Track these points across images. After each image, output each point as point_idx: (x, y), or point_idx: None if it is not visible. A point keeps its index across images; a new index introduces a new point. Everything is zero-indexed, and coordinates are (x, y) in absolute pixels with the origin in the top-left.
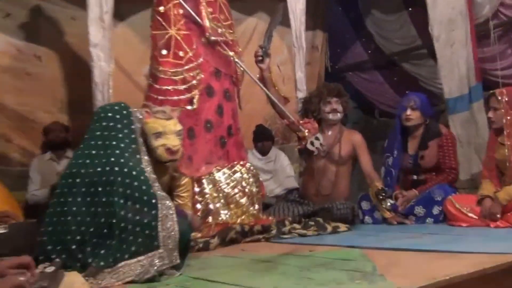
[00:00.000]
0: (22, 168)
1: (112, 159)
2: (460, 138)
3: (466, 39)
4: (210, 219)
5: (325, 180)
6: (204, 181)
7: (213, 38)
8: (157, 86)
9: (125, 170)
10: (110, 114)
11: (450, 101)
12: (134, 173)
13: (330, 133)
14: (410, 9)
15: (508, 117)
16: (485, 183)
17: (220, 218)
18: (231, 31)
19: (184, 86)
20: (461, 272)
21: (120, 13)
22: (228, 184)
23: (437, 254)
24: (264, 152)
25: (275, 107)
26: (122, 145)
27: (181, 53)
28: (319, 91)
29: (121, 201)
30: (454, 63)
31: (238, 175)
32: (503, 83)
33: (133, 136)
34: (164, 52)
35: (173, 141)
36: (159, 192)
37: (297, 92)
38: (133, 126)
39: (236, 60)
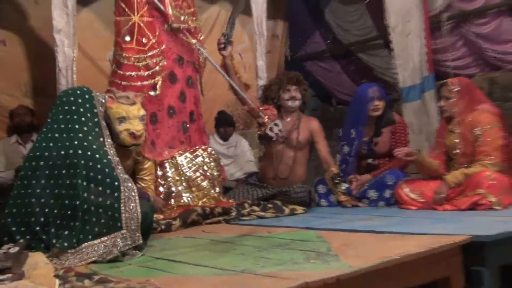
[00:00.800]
0: None
1: (75, 142)
2: (412, 126)
3: (421, 30)
4: (172, 201)
5: (283, 164)
6: (166, 165)
7: (175, 25)
8: (121, 72)
9: (88, 153)
10: (72, 98)
11: (403, 90)
12: (97, 156)
13: (288, 119)
14: (366, 0)
15: (459, 106)
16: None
17: (182, 201)
18: (194, 19)
19: (147, 73)
20: (410, 252)
21: None
22: (190, 168)
23: (388, 235)
24: (225, 137)
25: (236, 93)
26: (85, 128)
27: (144, 40)
28: (279, 79)
29: (84, 183)
30: (408, 54)
31: (199, 159)
32: (454, 73)
33: (96, 119)
34: (127, 38)
35: (137, 126)
36: (121, 175)
37: (257, 80)
38: (95, 110)
39: (199, 47)
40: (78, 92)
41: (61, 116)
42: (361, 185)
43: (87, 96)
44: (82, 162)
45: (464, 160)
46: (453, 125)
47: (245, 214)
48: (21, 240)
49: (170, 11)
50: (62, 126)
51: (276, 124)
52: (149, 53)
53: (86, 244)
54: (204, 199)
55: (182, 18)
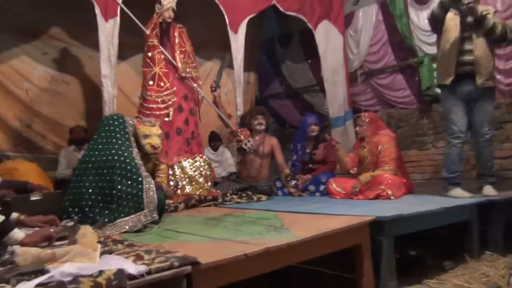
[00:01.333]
0: (53, 156)
1: (113, 151)
2: None
3: (344, 81)
4: (178, 191)
5: (253, 168)
6: (175, 167)
7: (183, 75)
8: (146, 105)
9: (121, 158)
10: (111, 121)
11: (333, 119)
12: (127, 160)
13: (257, 138)
14: (309, 60)
15: (368, 131)
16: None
17: (185, 191)
18: (195, 70)
19: (163, 105)
20: (335, 227)
21: (122, 55)
22: (191, 169)
23: (321, 215)
24: (215, 149)
25: (222, 120)
26: (120, 142)
27: (162, 84)
28: (251, 111)
29: (119, 178)
30: (335, 96)
31: (198, 163)
32: (364, 109)
33: (126, 136)
34: (150, 83)
35: (156, 141)
36: (144, 173)
37: (237, 111)
38: (126, 129)
39: (198, 89)
40: (115, 117)
41: (103, 134)
42: (304, 181)
43: (120, 120)
44: (117, 164)
45: (371, 166)
46: (364, 143)
47: (228, 200)
48: (75, 217)
49: (179, 65)
50: (104, 140)
51: (249, 141)
52: (165, 93)
53: (119, 220)
54: (200, 190)
55: (187, 70)
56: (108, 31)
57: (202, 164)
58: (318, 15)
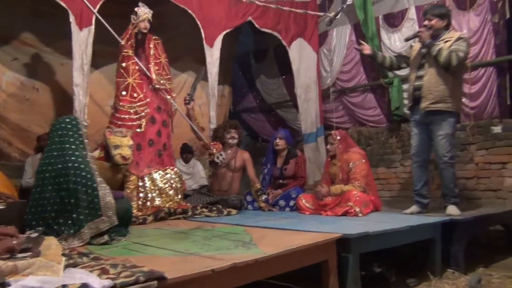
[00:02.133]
0: (19, 163)
1: (67, 157)
2: (309, 159)
3: (316, 98)
4: (148, 203)
5: (225, 181)
6: (146, 178)
7: (157, 86)
8: (118, 115)
9: (76, 165)
10: (63, 125)
11: (305, 135)
12: (82, 166)
13: (229, 151)
14: (283, 76)
15: (339, 149)
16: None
17: (155, 203)
18: (169, 82)
19: (136, 116)
20: (303, 243)
21: (96, 63)
22: (161, 181)
23: (290, 231)
24: (186, 161)
25: (195, 133)
26: (73, 146)
27: (135, 95)
28: (224, 125)
29: (75, 186)
30: (308, 112)
31: (168, 175)
32: (336, 126)
33: (80, 139)
34: (124, 93)
35: (126, 152)
36: (98, 179)
37: (210, 125)
38: (80, 132)
39: (172, 101)
40: (67, 120)
41: (56, 139)
42: (275, 196)
43: (74, 122)
44: (72, 171)
45: (341, 183)
46: (335, 161)
47: (197, 213)
48: (39, 228)
49: (154, 77)
50: (58, 146)
51: (221, 154)
52: (138, 104)
53: (82, 230)
54: (170, 203)
55: (162, 81)
56: (82, 39)
57: (173, 176)
58: (292, 33)
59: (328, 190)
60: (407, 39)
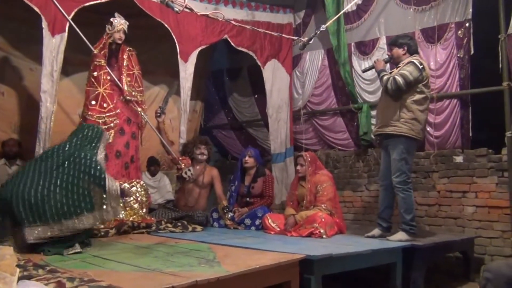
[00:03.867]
0: None
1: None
2: (277, 178)
3: (287, 118)
4: None
5: (191, 197)
6: None
7: (128, 97)
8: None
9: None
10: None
11: (274, 155)
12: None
13: (198, 167)
14: (255, 95)
15: (309, 170)
16: (288, 208)
17: (118, 216)
18: (141, 95)
19: (104, 127)
20: (266, 263)
21: (66, 71)
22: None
23: (254, 250)
24: (153, 174)
25: (164, 147)
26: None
27: (105, 105)
28: (194, 140)
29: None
30: (278, 132)
31: (134, 188)
32: (305, 148)
33: (98, 144)
34: (93, 102)
35: None
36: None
37: (180, 139)
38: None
39: (142, 114)
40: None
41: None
42: (241, 214)
43: (100, 131)
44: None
45: (309, 205)
46: (303, 182)
47: (162, 228)
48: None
49: (125, 88)
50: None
51: (189, 170)
52: (107, 114)
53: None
54: (134, 216)
55: (133, 93)
56: (54, 46)
57: (139, 189)
58: (267, 54)
59: (294, 221)
60: (364, 70)
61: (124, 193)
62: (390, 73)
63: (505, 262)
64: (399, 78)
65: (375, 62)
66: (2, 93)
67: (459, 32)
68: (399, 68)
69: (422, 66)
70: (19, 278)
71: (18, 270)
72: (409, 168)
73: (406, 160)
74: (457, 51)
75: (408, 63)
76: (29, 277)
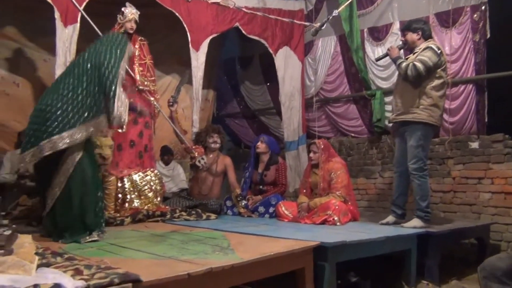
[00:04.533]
0: None
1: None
2: (290, 166)
3: (300, 106)
4: (126, 205)
5: (205, 185)
6: (125, 179)
7: (141, 87)
8: None
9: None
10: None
11: (287, 143)
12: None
13: (211, 156)
14: (267, 83)
15: (322, 158)
16: (301, 196)
17: (133, 205)
18: (153, 84)
19: None
20: (280, 250)
21: None
22: (141, 183)
23: (268, 238)
24: (167, 163)
25: (177, 136)
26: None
27: None
28: (207, 129)
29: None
30: (291, 120)
31: (148, 177)
32: (318, 136)
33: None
34: None
35: (106, 151)
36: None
37: (193, 128)
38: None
39: (155, 103)
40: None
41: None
42: (255, 202)
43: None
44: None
45: (322, 192)
46: (317, 170)
47: (176, 217)
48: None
49: (138, 78)
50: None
51: (202, 158)
52: None
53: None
54: (149, 205)
55: (146, 83)
56: (67, 37)
57: (153, 178)
58: (278, 41)
59: (307, 206)
60: (377, 59)
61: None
62: (406, 59)
63: (496, 256)
64: (419, 64)
65: (388, 49)
66: (17, 84)
67: (475, 15)
68: (416, 54)
69: (440, 51)
70: (38, 266)
71: (37, 257)
72: (426, 155)
73: (423, 146)
74: (473, 35)
75: (425, 48)
76: (47, 265)
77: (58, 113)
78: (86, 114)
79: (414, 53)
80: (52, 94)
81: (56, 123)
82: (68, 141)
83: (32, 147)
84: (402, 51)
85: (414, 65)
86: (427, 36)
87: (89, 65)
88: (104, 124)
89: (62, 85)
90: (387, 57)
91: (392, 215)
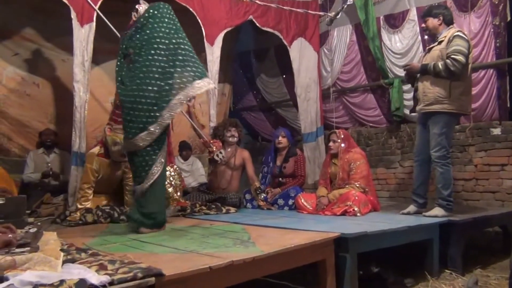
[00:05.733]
0: (19, 158)
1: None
2: (309, 158)
3: (316, 97)
4: None
5: (224, 179)
6: None
7: None
8: (118, 112)
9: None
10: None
11: (304, 135)
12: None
13: (229, 150)
14: (284, 76)
15: (341, 148)
16: (320, 188)
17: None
18: None
19: None
20: (300, 242)
21: (97, 60)
22: None
23: (288, 230)
24: (186, 158)
25: (195, 131)
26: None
27: None
28: (224, 123)
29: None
30: (308, 112)
31: (168, 173)
32: (336, 126)
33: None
34: None
35: None
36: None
37: (210, 123)
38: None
39: None
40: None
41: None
42: (274, 195)
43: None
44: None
45: (341, 182)
46: (336, 160)
47: (196, 211)
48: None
49: None
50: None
51: (220, 152)
52: None
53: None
54: (169, 200)
55: None
56: (83, 36)
57: (172, 173)
58: (293, 33)
59: (327, 200)
60: (408, 83)
61: None
62: (429, 50)
63: None
64: (459, 56)
65: (407, 69)
66: (37, 85)
67: None
68: (442, 43)
69: (466, 36)
70: (63, 262)
71: (62, 254)
72: (449, 143)
73: (447, 134)
74: (493, 18)
75: (453, 37)
76: (72, 261)
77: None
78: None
79: (439, 42)
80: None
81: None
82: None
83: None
84: (426, 36)
85: (455, 59)
86: (448, 21)
87: None
88: None
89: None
90: (413, 73)
91: (414, 205)
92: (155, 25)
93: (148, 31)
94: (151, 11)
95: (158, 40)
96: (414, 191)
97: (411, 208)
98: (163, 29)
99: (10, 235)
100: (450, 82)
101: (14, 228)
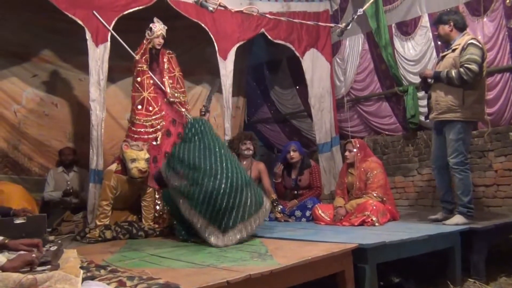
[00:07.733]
0: (39, 177)
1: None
2: (324, 169)
3: (330, 107)
4: (165, 216)
5: None
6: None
7: (171, 99)
8: (134, 129)
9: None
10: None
11: (319, 145)
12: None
13: (244, 162)
14: (297, 87)
15: (358, 157)
16: (337, 198)
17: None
18: (184, 95)
19: (152, 129)
20: (318, 254)
21: (112, 78)
22: None
23: (305, 242)
24: None
25: None
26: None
27: (150, 108)
28: (239, 136)
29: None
30: (322, 122)
31: None
32: (351, 136)
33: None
34: (139, 107)
35: (143, 165)
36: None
37: (225, 136)
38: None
39: (187, 114)
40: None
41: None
42: (291, 207)
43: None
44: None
45: (358, 192)
46: (352, 169)
47: None
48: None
49: (168, 90)
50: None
51: None
52: (153, 117)
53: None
54: None
55: (176, 95)
56: (99, 56)
57: None
58: (305, 44)
59: (345, 210)
60: (422, 90)
61: None
62: (442, 58)
63: None
64: (472, 66)
65: (422, 76)
66: (55, 105)
67: (507, 1)
68: (456, 51)
69: (481, 44)
70: (83, 279)
71: (81, 271)
72: (466, 149)
73: (464, 140)
74: (506, 21)
75: (467, 46)
76: (92, 278)
77: None
78: None
79: (453, 50)
80: None
81: None
82: None
83: None
84: (439, 43)
85: (468, 68)
86: (460, 27)
87: None
88: None
89: None
90: (428, 80)
91: (443, 212)
92: None
93: None
94: None
95: None
96: (442, 199)
97: (440, 214)
98: None
99: (33, 255)
100: (463, 90)
101: (41, 247)
